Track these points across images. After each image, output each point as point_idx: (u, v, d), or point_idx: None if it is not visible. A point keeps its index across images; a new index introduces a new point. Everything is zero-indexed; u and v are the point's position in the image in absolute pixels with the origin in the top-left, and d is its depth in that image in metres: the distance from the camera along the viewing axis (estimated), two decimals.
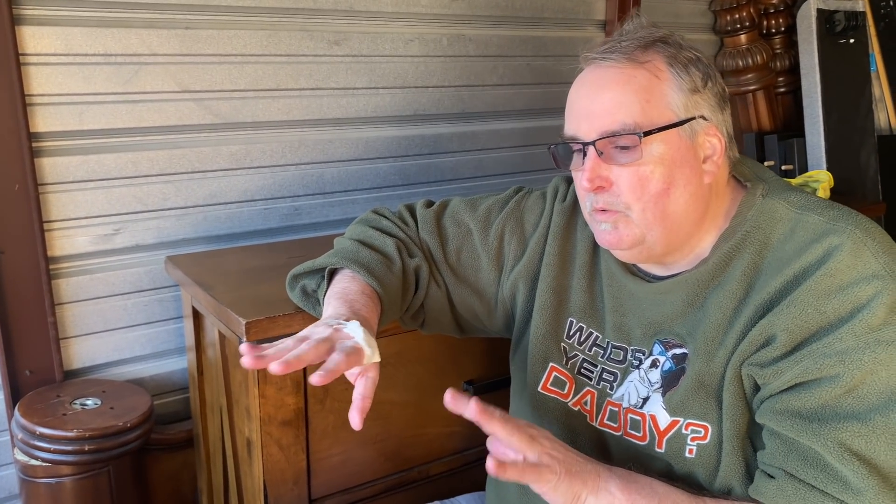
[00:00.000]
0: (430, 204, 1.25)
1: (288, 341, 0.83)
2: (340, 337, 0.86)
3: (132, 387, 1.55)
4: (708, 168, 0.97)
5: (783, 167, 2.48)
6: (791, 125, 2.68)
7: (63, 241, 1.54)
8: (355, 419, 0.85)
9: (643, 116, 0.93)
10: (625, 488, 0.90)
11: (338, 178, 1.86)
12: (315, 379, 0.79)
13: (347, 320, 0.90)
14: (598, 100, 0.95)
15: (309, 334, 0.86)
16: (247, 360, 0.78)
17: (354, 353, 0.84)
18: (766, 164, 2.49)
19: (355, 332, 0.87)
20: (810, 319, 0.89)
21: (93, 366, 1.61)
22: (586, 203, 1.01)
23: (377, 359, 0.88)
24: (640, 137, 0.92)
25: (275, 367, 0.78)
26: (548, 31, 2.14)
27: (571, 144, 0.99)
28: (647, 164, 0.93)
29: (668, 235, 0.97)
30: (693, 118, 0.95)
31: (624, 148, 0.93)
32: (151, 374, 1.68)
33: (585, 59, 0.99)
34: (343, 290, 1.02)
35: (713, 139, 0.97)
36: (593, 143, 0.94)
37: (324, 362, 0.82)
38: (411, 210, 1.24)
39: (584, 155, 0.96)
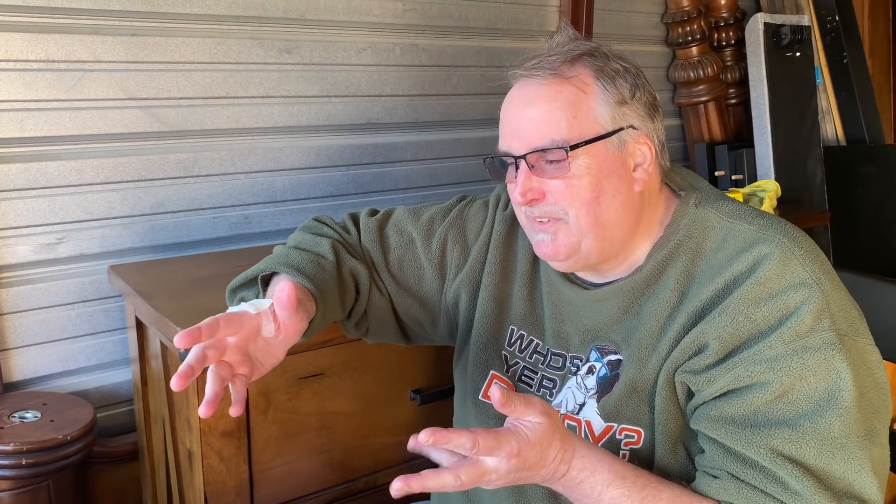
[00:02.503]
0: (374, 213, 1.25)
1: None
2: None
3: (74, 399, 1.52)
4: (639, 176, 0.99)
5: (733, 177, 2.52)
6: (742, 136, 2.74)
7: (3, 251, 1.51)
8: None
9: (570, 131, 0.95)
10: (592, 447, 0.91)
11: (289, 186, 1.85)
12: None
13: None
14: (526, 117, 0.97)
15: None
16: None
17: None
18: (716, 173, 2.54)
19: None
20: (741, 327, 0.91)
21: (35, 378, 1.58)
22: (521, 212, 1.03)
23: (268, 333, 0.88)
24: (566, 152, 0.94)
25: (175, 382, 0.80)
26: (501, 41, 2.16)
27: (505, 158, 1.00)
28: (576, 175, 0.95)
29: (601, 243, 0.99)
30: (621, 129, 0.97)
31: (553, 161, 0.96)
32: (96, 386, 1.65)
33: (513, 76, 1.01)
34: None
35: (643, 147, 0.99)
36: (524, 156, 0.97)
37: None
38: (354, 219, 1.24)
39: (517, 168, 0.98)
